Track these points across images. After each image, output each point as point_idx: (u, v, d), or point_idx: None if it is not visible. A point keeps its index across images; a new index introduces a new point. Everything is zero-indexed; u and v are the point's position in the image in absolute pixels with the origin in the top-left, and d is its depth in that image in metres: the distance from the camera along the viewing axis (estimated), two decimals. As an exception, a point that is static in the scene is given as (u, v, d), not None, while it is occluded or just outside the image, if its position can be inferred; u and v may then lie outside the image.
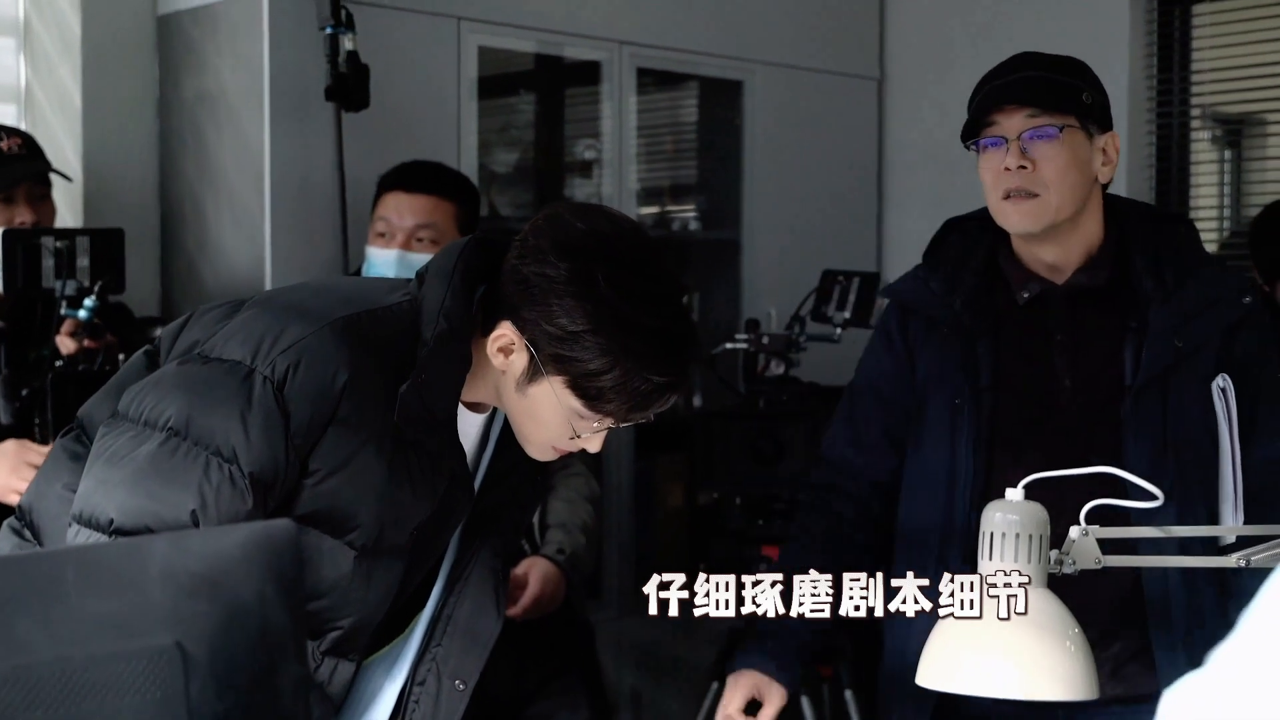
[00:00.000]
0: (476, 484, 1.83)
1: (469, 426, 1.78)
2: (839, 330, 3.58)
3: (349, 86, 3.27)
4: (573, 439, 1.68)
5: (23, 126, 3.43)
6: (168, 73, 3.60)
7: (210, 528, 1.35)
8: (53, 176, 3.08)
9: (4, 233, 2.80)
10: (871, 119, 4.64)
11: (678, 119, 4.44)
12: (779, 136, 4.34)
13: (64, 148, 3.51)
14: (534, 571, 2.79)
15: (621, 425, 1.67)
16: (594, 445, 1.68)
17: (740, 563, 3.48)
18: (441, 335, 1.64)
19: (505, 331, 1.63)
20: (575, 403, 1.63)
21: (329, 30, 3.25)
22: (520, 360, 1.63)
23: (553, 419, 1.66)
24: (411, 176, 3.03)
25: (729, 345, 3.66)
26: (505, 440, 1.82)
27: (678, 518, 4.18)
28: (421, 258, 2.77)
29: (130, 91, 3.58)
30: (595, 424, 1.65)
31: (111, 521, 1.54)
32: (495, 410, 1.82)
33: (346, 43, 3.27)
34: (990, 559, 1.60)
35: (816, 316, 3.60)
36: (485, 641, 1.88)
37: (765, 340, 3.60)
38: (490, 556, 1.91)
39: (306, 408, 1.59)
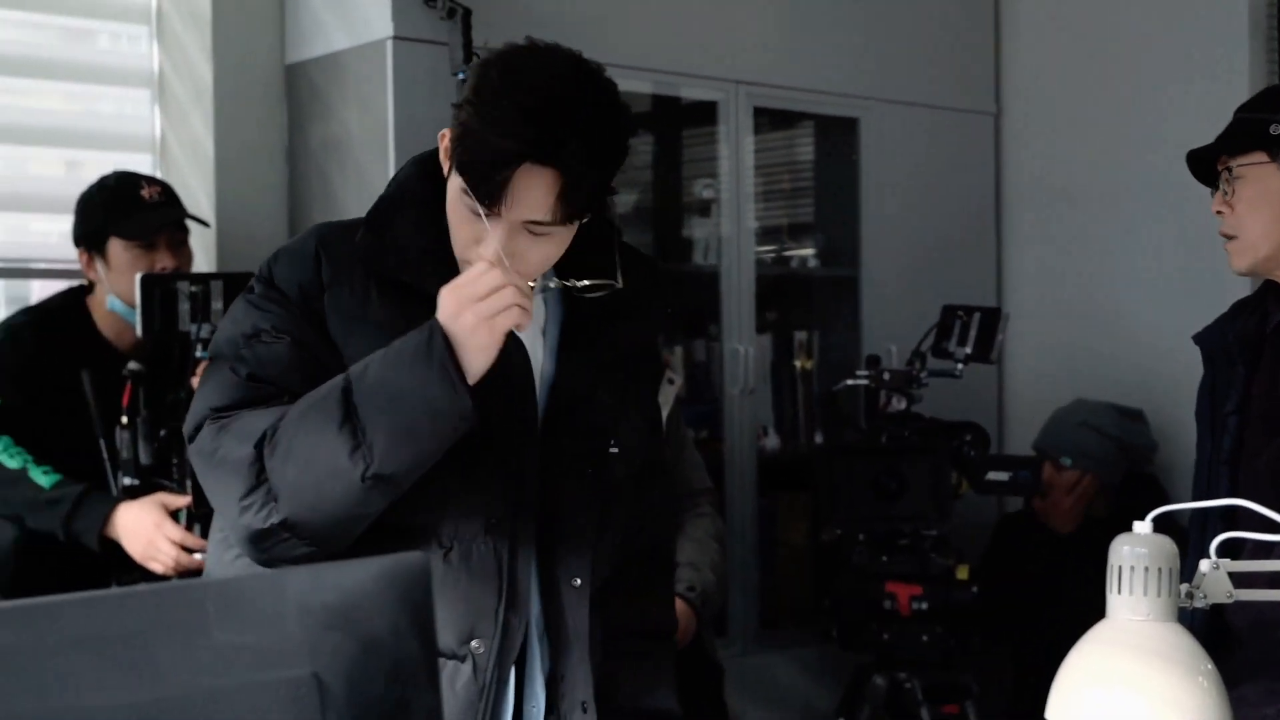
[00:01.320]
0: (541, 365, 1.79)
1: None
2: (960, 366, 3.54)
3: None
4: (476, 243, 1.67)
5: (158, 175, 3.48)
6: (296, 120, 3.62)
7: (345, 562, 1.39)
8: (190, 222, 3.10)
9: (142, 278, 2.85)
10: (988, 154, 4.56)
11: (794, 157, 4.37)
12: (896, 173, 4.28)
13: (198, 194, 3.56)
14: None
15: (494, 217, 1.63)
16: (485, 249, 1.64)
17: (865, 600, 3.44)
18: (396, 179, 1.75)
19: (445, 134, 1.69)
20: (458, 183, 1.64)
21: (461, 76, 3.21)
22: (447, 157, 1.68)
23: (455, 212, 1.68)
24: None
25: (849, 382, 3.63)
26: (569, 318, 1.80)
27: (801, 555, 4.14)
28: None
29: (260, 139, 3.61)
30: (475, 209, 1.63)
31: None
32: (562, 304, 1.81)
33: None
34: (1119, 593, 1.56)
35: (937, 352, 3.58)
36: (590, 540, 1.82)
37: (886, 376, 3.56)
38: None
39: (292, 278, 1.70)
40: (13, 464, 2.78)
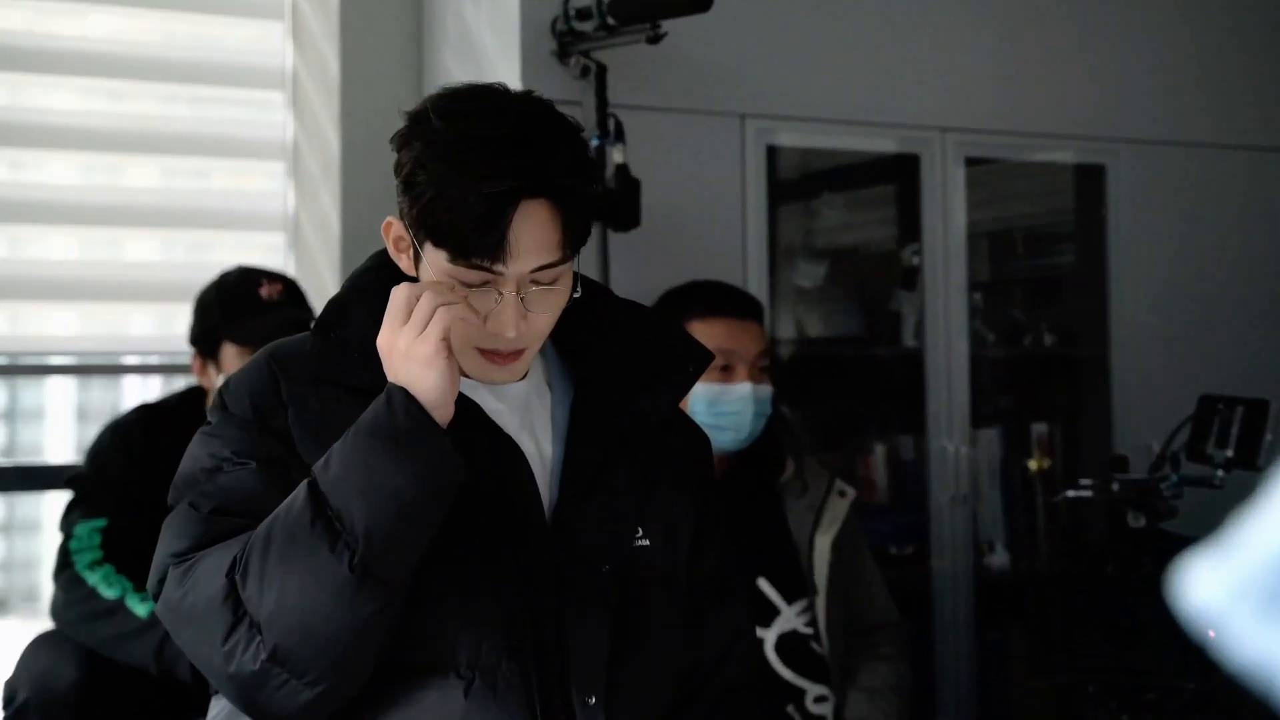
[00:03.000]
0: (545, 475, 1.71)
1: (498, 399, 1.70)
2: (1220, 473, 2.95)
3: (617, 204, 3.01)
4: (485, 327, 1.61)
5: (291, 259, 3.42)
6: None
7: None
8: None
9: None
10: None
11: (1019, 214, 4.05)
12: (1153, 228, 3.84)
13: (325, 277, 3.39)
14: None
15: (499, 281, 1.58)
16: (505, 325, 1.59)
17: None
18: (348, 282, 1.74)
19: (391, 221, 1.65)
20: (441, 257, 1.58)
21: (595, 142, 3.02)
22: (406, 244, 1.63)
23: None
24: (733, 300, 2.87)
25: (1071, 493, 3.07)
26: (580, 410, 1.73)
27: (1036, 701, 3.68)
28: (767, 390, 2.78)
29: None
30: (475, 280, 1.58)
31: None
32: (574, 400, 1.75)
33: (616, 155, 3.04)
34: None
35: (1194, 454, 3.00)
36: None
37: (1116, 486, 2.99)
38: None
39: (247, 400, 1.65)
40: (110, 593, 2.74)
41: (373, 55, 3.41)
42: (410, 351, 1.54)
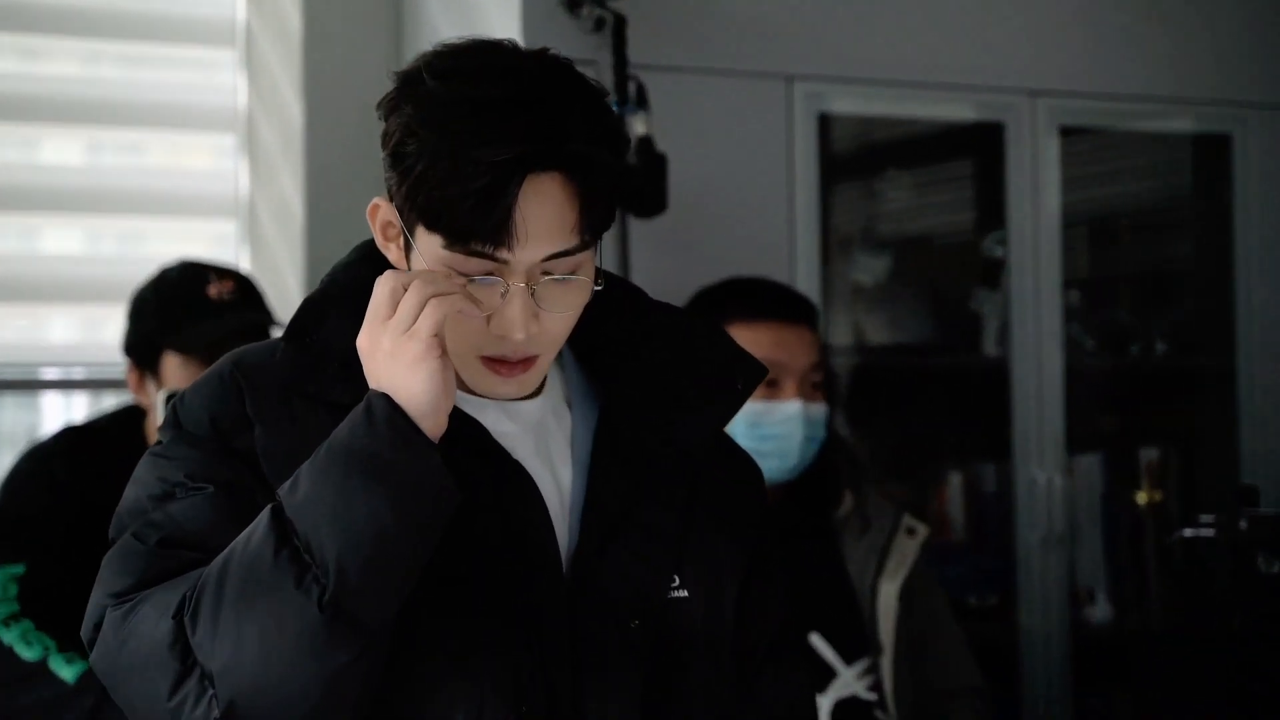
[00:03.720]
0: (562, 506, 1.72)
1: (508, 420, 1.68)
2: None
3: (640, 183, 3.03)
4: (489, 329, 1.61)
5: (245, 249, 3.46)
6: None
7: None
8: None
9: (167, 398, 2.71)
10: None
11: (1124, 194, 4.10)
12: None
13: (284, 271, 3.45)
14: None
15: (504, 271, 1.57)
16: (512, 324, 1.58)
17: None
18: (327, 278, 1.72)
19: (378, 203, 1.64)
20: (435, 243, 1.57)
21: (614, 107, 2.98)
22: (395, 231, 1.62)
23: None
24: (780, 301, 2.86)
25: (1188, 532, 3.10)
26: (604, 436, 1.73)
27: None
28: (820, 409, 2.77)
29: (364, 195, 3.53)
30: (476, 271, 1.57)
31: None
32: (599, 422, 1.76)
33: (638, 125, 3.06)
34: None
35: None
36: None
37: (1243, 525, 3.00)
38: None
39: (203, 414, 1.65)
40: (29, 654, 2.70)
41: (342, 6, 3.42)
42: (395, 350, 1.52)
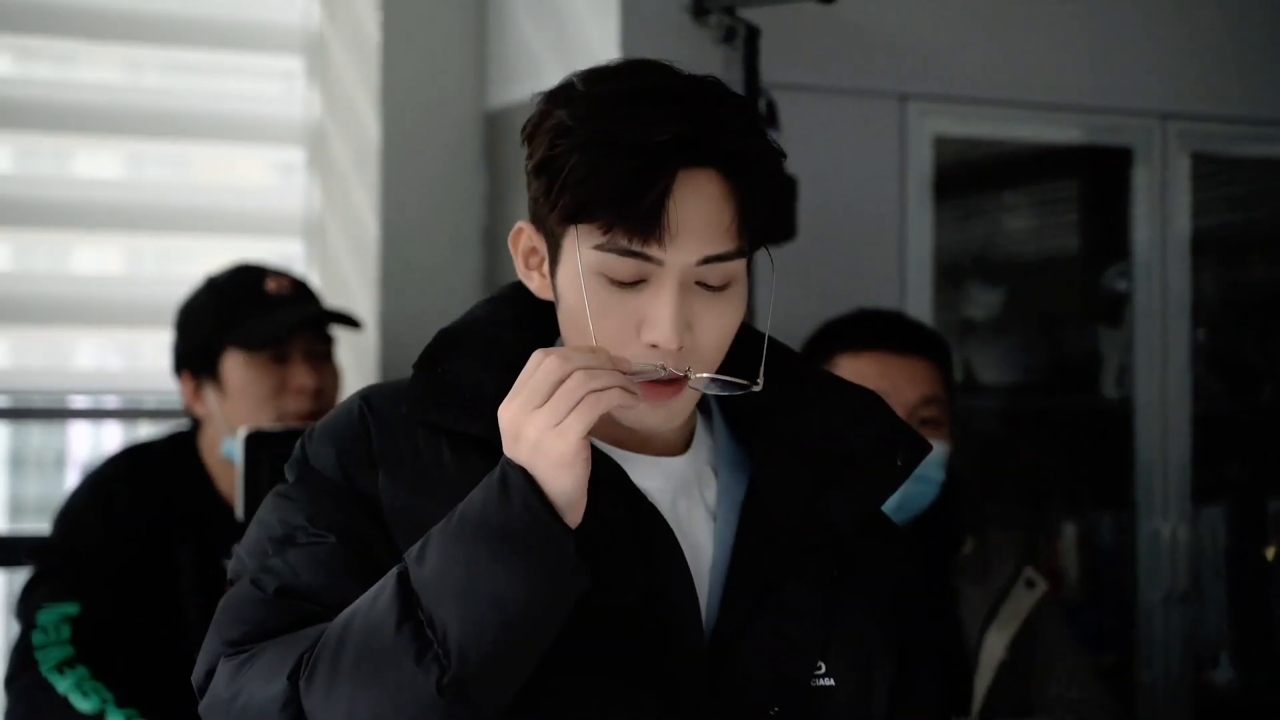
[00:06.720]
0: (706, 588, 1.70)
1: (652, 474, 1.68)
2: None
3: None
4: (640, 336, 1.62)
5: (312, 276, 3.48)
6: (497, 185, 3.57)
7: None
8: (339, 329, 3.08)
9: (247, 436, 2.70)
10: None
11: (1251, 220, 4.08)
12: None
13: (353, 288, 3.48)
14: None
15: (658, 275, 1.58)
16: (663, 325, 1.57)
17: None
18: (468, 312, 1.77)
19: (521, 227, 1.70)
20: (586, 246, 1.59)
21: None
22: (539, 259, 1.68)
23: (592, 297, 1.63)
24: (892, 330, 2.83)
25: None
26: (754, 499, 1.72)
27: None
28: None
29: (445, 212, 3.55)
30: (629, 275, 1.58)
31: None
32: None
33: None
34: None
35: None
36: None
37: None
38: None
39: (330, 453, 1.69)
40: (86, 706, 2.70)
41: (423, 13, 3.41)
42: (542, 444, 1.52)
